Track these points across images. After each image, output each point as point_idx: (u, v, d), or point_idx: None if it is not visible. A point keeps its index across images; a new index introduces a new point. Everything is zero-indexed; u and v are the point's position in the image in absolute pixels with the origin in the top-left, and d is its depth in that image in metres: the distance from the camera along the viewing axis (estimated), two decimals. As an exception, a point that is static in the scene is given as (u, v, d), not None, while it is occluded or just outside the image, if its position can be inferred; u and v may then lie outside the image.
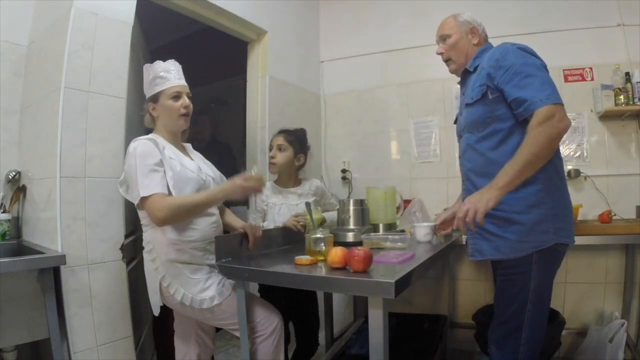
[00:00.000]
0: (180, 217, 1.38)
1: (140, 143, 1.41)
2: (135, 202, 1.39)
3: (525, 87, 1.29)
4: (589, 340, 2.17)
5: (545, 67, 1.35)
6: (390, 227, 1.96)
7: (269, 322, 1.51)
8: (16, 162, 1.84)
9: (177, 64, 1.57)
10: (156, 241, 1.45)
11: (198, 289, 1.43)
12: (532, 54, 1.37)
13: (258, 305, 1.54)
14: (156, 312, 1.48)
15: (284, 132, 2.08)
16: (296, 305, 1.99)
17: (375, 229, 1.93)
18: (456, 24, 1.57)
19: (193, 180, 1.47)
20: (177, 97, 1.52)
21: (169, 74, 1.53)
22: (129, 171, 1.39)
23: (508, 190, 1.25)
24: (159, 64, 1.53)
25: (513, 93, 1.30)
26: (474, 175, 1.45)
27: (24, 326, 1.39)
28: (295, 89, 2.88)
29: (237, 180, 1.42)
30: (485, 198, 1.24)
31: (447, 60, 1.61)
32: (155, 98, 1.53)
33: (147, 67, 1.54)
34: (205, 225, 1.50)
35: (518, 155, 1.24)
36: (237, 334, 1.48)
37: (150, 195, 1.34)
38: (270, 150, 2.04)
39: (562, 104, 1.25)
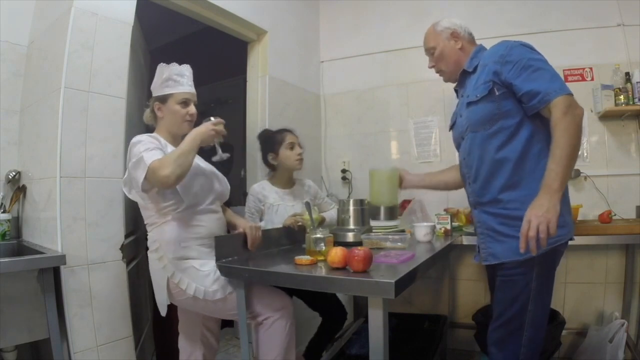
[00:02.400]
0: (182, 168, 1.35)
1: (144, 136, 1.46)
2: (139, 182, 1.35)
3: (537, 79, 1.28)
4: (589, 340, 2.17)
5: (547, 61, 1.35)
6: (392, 210, 1.91)
7: (280, 303, 1.52)
8: (16, 162, 1.84)
9: (190, 69, 1.59)
10: (162, 239, 1.45)
11: (210, 281, 1.45)
12: (535, 50, 1.37)
13: (267, 289, 1.54)
14: (163, 311, 1.48)
15: (291, 130, 2.08)
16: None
17: (376, 212, 1.89)
18: (436, 34, 1.57)
19: (198, 177, 1.51)
20: (185, 103, 1.54)
21: (182, 79, 1.54)
22: (132, 160, 1.38)
23: (563, 190, 1.20)
24: (174, 66, 1.54)
25: (524, 86, 1.29)
26: (483, 177, 1.42)
27: (24, 326, 1.39)
28: (295, 89, 2.87)
29: (208, 125, 1.44)
30: (549, 205, 1.16)
31: (438, 72, 1.62)
32: (163, 99, 1.54)
33: (161, 66, 1.55)
34: (210, 222, 1.53)
35: (558, 151, 1.21)
36: (253, 320, 1.51)
37: (152, 163, 1.33)
38: (292, 147, 2.03)
39: (572, 94, 1.26)
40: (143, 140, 1.42)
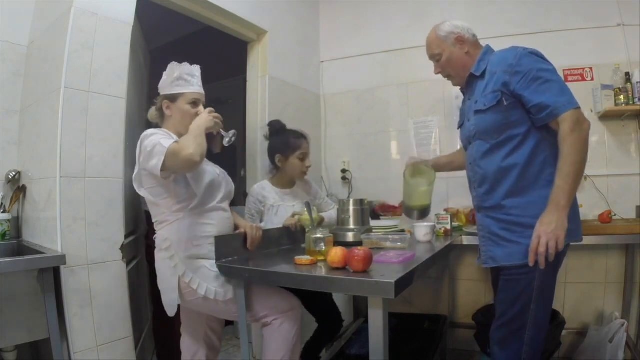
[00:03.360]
0: (202, 147, 1.39)
1: (157, 130, 1.47)
2: (157, 167, 1.34)
3: (546, 92, 1.29)
4: (589, 340, 2.17)
5: (556, 71, 1.35)
6: (425, 211, 1.89)
7: (288, 305, 1.52)
8: (16, 162, 1.84)
9: (200, 70, 1.60)
10: (173, 238, 1.45)
11: (221, 282, 1.45)
12: (544, 58, 1.36)
13: (276, 290, 1.54)
14: (171, 312, 1.48)
15: (306, 137, 2.05)
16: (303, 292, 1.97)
17: (411, 213, 1.88)
18: (440, 40, 1.54)
19: (208, 172, 1.53)
20: (195, 103, 1.55)
21: (193, 79, 1.55)
22: (146, 150, 1.37)
23: (571, 205, 1.25)
24: (186, 66, 1.55)
25: (534, 99, 1.30)
26: (489, 183, 1.43)
27: (24, 326, 1.39)
28: (295, 89, 2.88)
29: (205, 114, 1.50)
30: (557, 223, 1.23)
31: (446, 77, 1.61)
32: (173, 98, 1.54)
33: (173, 65, 1.55)
34: (220, 221, 1.54)
35: (566, 168, 1.24)
36: (261, 321, 1.51)
37: (171, 146, 1.34)
38: (303, 159, 2.00)
39: (580, 108, 1.27)
40: (157, 132, 1.43)
